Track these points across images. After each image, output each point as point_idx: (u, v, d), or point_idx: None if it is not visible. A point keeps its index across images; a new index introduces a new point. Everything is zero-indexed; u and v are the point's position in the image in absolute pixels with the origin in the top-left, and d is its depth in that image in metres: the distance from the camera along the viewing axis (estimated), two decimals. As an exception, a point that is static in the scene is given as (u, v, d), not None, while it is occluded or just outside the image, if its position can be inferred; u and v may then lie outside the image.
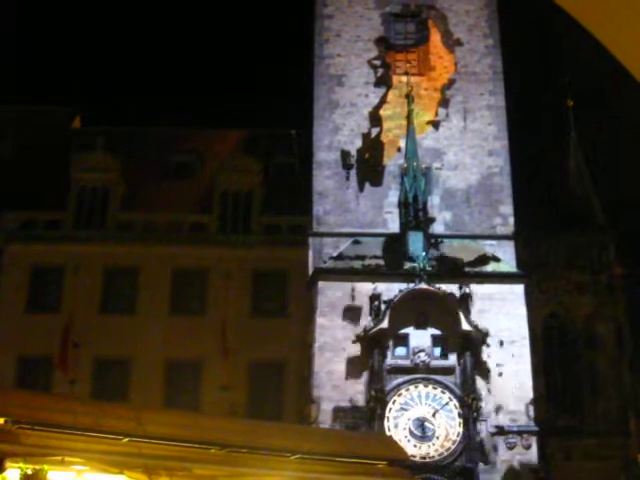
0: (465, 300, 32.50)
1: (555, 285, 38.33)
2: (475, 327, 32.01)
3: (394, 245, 34.06)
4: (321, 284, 33.44)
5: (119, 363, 35.85)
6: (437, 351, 32.34)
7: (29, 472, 13.45)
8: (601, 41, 7.02)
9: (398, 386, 31.67)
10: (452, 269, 33.71)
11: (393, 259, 33.76)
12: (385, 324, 31.82)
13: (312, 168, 36.22)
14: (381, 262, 33.86)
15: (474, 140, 36.54)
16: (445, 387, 31.69)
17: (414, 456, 29.78)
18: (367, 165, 35.98)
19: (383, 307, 32.31)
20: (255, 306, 36.78)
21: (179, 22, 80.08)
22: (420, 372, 31.87)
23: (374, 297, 32.69)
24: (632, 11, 6.49)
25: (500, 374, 32.24)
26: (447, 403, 31.41)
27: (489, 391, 31.97)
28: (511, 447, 31.37)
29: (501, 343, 32.63)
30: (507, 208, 35.58)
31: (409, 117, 35.48)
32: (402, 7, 38.35)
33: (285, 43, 70.95)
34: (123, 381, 35.30)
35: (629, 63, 6.92)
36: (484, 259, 34.10)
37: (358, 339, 32.28)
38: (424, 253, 33.00)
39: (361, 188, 35.64)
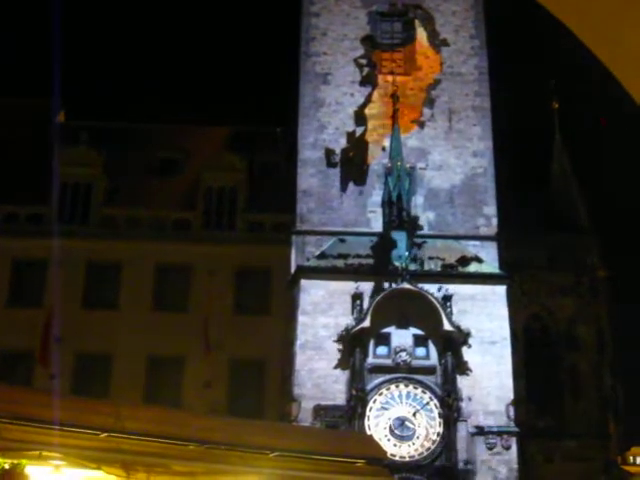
0: (447, 300, 32.54)
1: (537, 286, 38.47)
2: (457, 327, 32.06)
3: (377, 244, 34.09)
4: (304, 282, 33.46)
5: (101, 358, 35.80)
6: (418, 351, 32.40)
7: (7, 466, 13.41)
8: (585, 42, 7.03)
9: (379, 385, 31.71)
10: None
11: (376, 258, 33.79)
12: (367, 323, 31.85)
13: (296, 166, 36.21)
14: (364, 261, 33.88)
15: (459, 141, 36.59)
16: (426, 387, 31.74)
17: (394, 455, 29.85)
18: (351, 164, 35.98)
19: (365, 306, 32.33)
20: (238, 303, 36.81)
21: (164, 19, 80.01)
22: (401, 372, 31.92)
23: (356, 296, 32.71)
24: (619, 15, 6.51)
25: (481, 375, 32.29)
26: (428, 403, 31.46)
27: (469, 394, 32.02)
28: (491, 448, 31.45)
29: (482, 344, 32.73)
30: (491, 209, 35.63)
31: (394, 116, 35.50)
32: (389, 6, 38.34)
33: (271, 41, 70.93)
34: (105, 377, 35.24)
35: (614, 67, 6.93)
36: (467, 259, 34.16)
37: (340, 338, 32.32)
38: (407, 253, 33.03)
39: (345, 187, 35.63)
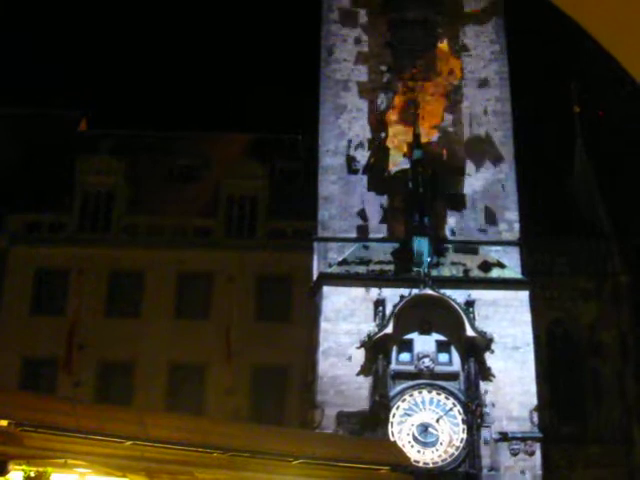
0: (469, 306, 32.45)
1: (560, 292, 38.31)
2: (479, 333, 31.97)
3: (399, 251, 34.05)
4: (326, 289, 33.41)
5: (123, 366, 35.89)
6: (441, 357, 32.32)
7: (32, 474, 13.49)
8: (602, 43, 7.02)
9: (402, 392, 31.63)
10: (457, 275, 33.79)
11: (398, 264, 33.75)
12: (389, 329, 31.78)
13: (317, 173, 36.17)
14: (386, 267, 33.84)
15: (480, 146, 36.47)
16: (449, 393, 31.66)
17: (417, 462, 29.76)
18: (372, 170, 35.92)
19: (388, 312, 32.28)
20: (259, 310, 36.80)
21: (185, 26, 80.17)
22: (424, 378, 31.84)
23: (379, 302, 32.66)
24: (632, 14, 6.49)
25: (504, 381, 32.18)
26: (451, 409, 31.38)
27: (493, 400, 31.92)
28: (515, 453, 31.32)
29: (505, 349, 32.63)
30: (512, 214, 35.48)
31: (415, 122, 35.47)
32: (409, 12, 38.25)
33: (291, 48, 70.98)
34: (127, 384, 35.35)
35: (633, 70, 6.91)
36: (489, 265, 34.07)
37: (362, 344, 32.26)
38: (429, 258, 32.99)
39: (366, 193, 35.54)
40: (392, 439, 29.97)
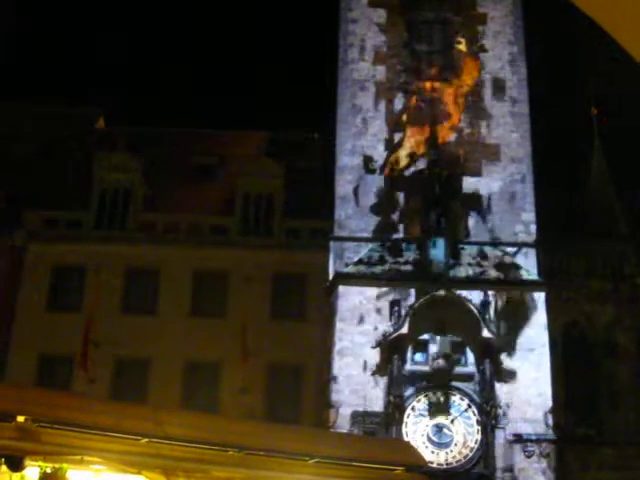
0: (485, 307, 32.40)
1: (576, 293, 38.14)
2: (495, 334, 31.91)
3: (415, 251, 34.00)
4: (342, 288, 33.39)
5: (139, 363, 35.98)
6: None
7: (48, 471, 13.52)
8: (624, 46, 6.99)
9: (417, 392, 31.62)
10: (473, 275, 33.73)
11: (414, 265, 33.71)
12: (405, 330, 31.76)
13: (334, 172, 36.14)
14: (402, 267, 33.79)
15: (497, 147, 36.38)
16: (464, 394, 31.62)
17: (432, 462, 29.70)
18: (389, 170, 35.87)
19: (403, 312, 32.27)
20: (275, 309, 36.82)
21: (201, 24, 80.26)
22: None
23: (394, 302, 32.64)
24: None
25: (519, 382, 32.12)
26: (466, 410, 31.35)
27: (508, 401, 31.85)
28: (529, 455, 31.26)
29: (521, 350, 32.57)
30: (529, 215, 35.39)
31: (432, 123, 35.43)
32: (428, 13, 38.20)
33: (309, 47, 71.02)
34: (142, 381, 35.41)
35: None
36: (505, 266, 33.99)
37: (378, 344, 32.25)
38: (445, 259, 32.94)
39: (383, 193, 35.50)
40: (406, 439, 29.94)
